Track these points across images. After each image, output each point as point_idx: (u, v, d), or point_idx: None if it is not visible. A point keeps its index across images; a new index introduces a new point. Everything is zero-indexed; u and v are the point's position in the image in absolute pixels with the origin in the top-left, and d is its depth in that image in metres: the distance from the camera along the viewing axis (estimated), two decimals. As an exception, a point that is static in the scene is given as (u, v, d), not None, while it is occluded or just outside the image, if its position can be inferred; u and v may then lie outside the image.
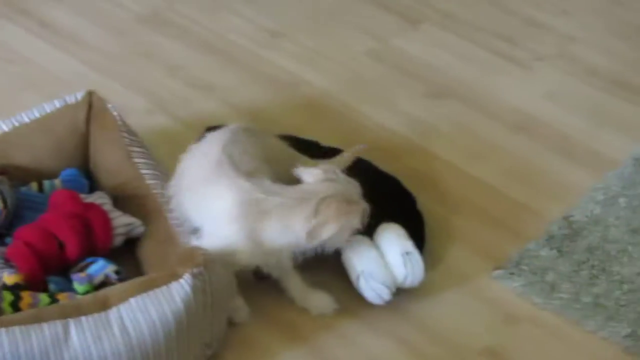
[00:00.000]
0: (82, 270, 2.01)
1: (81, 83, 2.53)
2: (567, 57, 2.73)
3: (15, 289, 1.94)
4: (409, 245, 2.04)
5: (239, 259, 1.97)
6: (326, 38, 2.80)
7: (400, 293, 2.05)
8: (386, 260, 2.03)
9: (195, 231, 2.03)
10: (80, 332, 1.77)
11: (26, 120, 2.23)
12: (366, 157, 2.29)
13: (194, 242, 1.99)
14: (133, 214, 2.12)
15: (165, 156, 2.24)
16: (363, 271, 2.01)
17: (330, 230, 1.93)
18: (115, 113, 2.25)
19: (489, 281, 2.12)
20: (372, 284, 2.00)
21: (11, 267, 1.99)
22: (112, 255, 2.07)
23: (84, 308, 1.80)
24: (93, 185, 2.24)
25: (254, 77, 2.68)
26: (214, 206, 1.99)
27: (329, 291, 2.05)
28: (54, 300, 1.93)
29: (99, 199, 2.15)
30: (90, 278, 1.99)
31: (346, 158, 2.18)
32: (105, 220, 2.06)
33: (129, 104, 2.42)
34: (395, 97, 2.60)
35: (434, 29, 2.85)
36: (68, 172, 2.22)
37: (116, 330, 1.78)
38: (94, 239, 2.05)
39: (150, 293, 1.82)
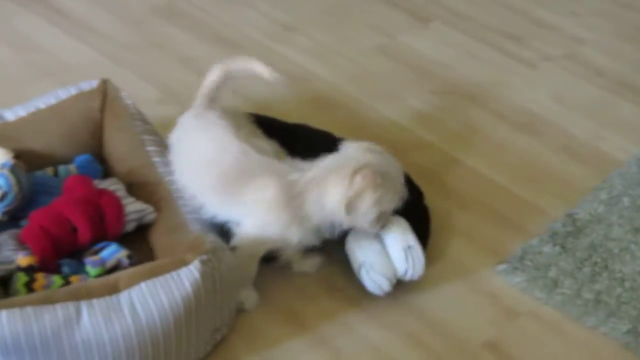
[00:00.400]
0: (95, 254, 2.03)
1: (95, 71, 2.54)
2: (574, 58, 2.73)
3: (29, 270, 1.96)
4: (411, 239, 2.04)
5: (289, 242, 1.99)
6: (337, 33, 2.81)
7: (404, 285, 2.06)
8: (388, 253, 2.04)
9: (229, 224, 2.03)
10: (91, 314, 1.78)
11: (42, 106, 2.24)
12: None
13: (236, 235, 2.00)
14: (145, 200, 2.13)
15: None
16: (365, 262, 2.02)
17: (367, 202, 1.92)
18: (128, 101, 2.26)
19: (492, 276, 2.14)
20: (373, 275, 2.02)
21: (25, 249, 2.00)
22: (124, 240, 2.09)
23: (95, 291, 1.81)
24: (106, 171, 2.25)
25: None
26: (256, 198, 1.99)
27: (334, 282, 2.06)
28: (66, 282, 1.95)
29: (113, 185, 2.16)
30: (102, 262, 2.00)
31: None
32: (118, 206, 2.07)
33: (142, 93, 2.43)
34: (403, 93, 2.61)
35: (443, 27, 2.85)
36: (82, 158, 2.24)
37: (127, 313, 1.80)
38: (106, 224, 2.06)
39: (161, 278, 1.83)
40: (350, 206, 1.93)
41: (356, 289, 2.06)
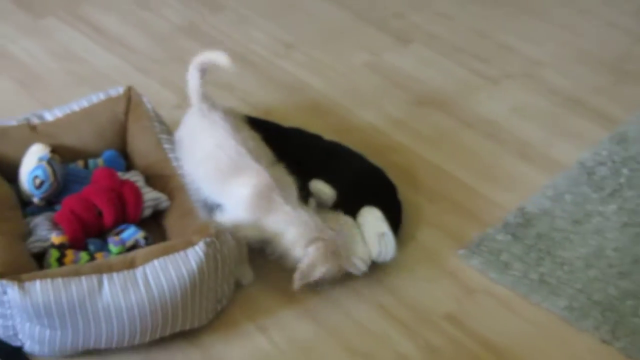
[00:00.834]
0: (116, 234, 2.03)
1: (124, 79, 2.54)
2: (531, 77, 2.72)
3: (60, 247, 1.97)
4: (384, 227, 2.04)
5: (247, 236, 1.99)
6: (330, 51, 2.80)
7: (379, 266, 2.06)
8: (364, 238, 2.03)
9: (216, 207, 2.03)
10: (112, 285, 1.79)
11: (76, 108, 2.24)
12: (358, 151, 2.29)
13: (217, 216, 2.00)
14: (160, 190, 2.13)
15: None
16: (345, 246, 2.02)
17: (319, 273, 1.93)
18: (149, 106, 2.26)
19: (454, 259, 2.13)
20: (352, 258, 2.01)
21: (58, 229, 2.01)
22: (142, 223, 2.09)
23: (115, 266, 1.82)
24: (129, 165, 2.25)
25: (268, 81, 2.68)
26: (236, 192, 1.99)
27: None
28: (92, 258, 1.96)
29: (134, 176, 2.16)
30: (123, 241, 2.01)
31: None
32: (137, 194, 2.07)
33: (162, 99, 2.42)
34: (384, 103, 2.60)
35: (421, 48, 2.84)
36: (109, 153, 2.23)
37: (141, 285, 1.80)
38: (127, 210, 2.06)
39: (171, 256, 1.84)
40: (303, 275, 1.93)
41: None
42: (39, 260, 1.96)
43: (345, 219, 2.05)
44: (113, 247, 1.99)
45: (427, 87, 2.67)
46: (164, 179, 2.13)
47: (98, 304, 1.78)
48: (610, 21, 2.97)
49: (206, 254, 1.84)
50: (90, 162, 2.21)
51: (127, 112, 2.26)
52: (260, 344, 1.93)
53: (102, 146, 2.24)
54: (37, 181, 2.06)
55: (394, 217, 2.12)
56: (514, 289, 2.06)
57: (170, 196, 2.11)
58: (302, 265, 1.93)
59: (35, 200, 2.10)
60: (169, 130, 2.24)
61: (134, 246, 2.01)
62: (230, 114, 2.12)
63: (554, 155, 2.43)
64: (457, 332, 1.96)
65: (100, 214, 2.03)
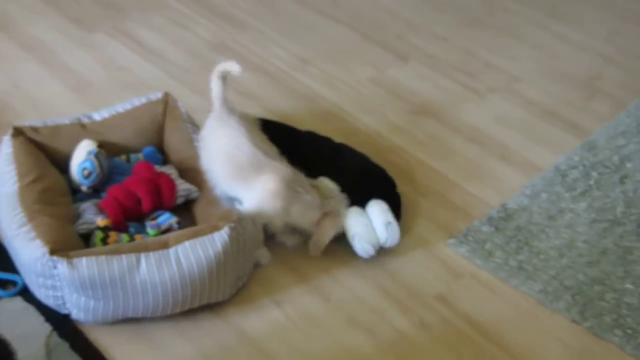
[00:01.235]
0: (153, 219, 2.02)
1: (162, 86, 2.52)
2: (512, 91, 2.70)
3: (105, 229, 1.95)
4: (390, 217, 2.02)
5: (273, 223, 1.98)
6: (340, 66, 2.78)
7: (381, 252, 2.04)
8: (373, 226, 2.01)
9: (234, 200, 2.01)
10: (148, 263, 1.77)
11: (120, 110, 2.22)
12: (362, 151, 2.27)
13: (237, 206, 1.97)
14: (191, 182, 2.12)
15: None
16: (356, 233, 1.99)
17: (328, 239, 1.97)
18: (183, 109, 2.24)
19: (444, 247, 2.11)
20: (362, 243, 1.99)
21: (103, 214, 1.99)
22: (175, 210, 2.07)
23: (151, 246, 1.80)
24: (165, 160, 2.23)
25: (286, 91, 2.66)
26: (263, 186, 1.96)
27: (329, 246, 2.02)
28: (131, 239, 1.94)
29: (169, 169, 2.14)
30: (158, 225, 1.99)
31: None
32: (172, 185, 2.06)
33: (194, 104, 2.40)
34: (386, 111, 2.58)
35: (418, 64, 2.82)
36: (148, 149, 2.21)
37: (173, 263, 1.78)
38: (163, 198, 2.04)
39: (200, 239, 1.82)
40: (315, 242, 1.96)
41: (345, 252, 2.03)
42: (86, 240, 1.95)
43: (356, 210, 2.04)
44: (150, 230, 1.97)
45: (423, 99, 2.65)
46: (194, 172, 2.11)
47: (136, 278, 1.76)
48: (583, 44, 2.95)
49: (230, 237, 1.82)
50: (132, 156, 2.20)
51: (164, 114, 2.24)
52: (275, 316, 1.91)
53: (142, 143, 2.22)
54: (86, 172, 2.05)
55: (394, 209, 2.09)
56: (496, 274, 2.03)
57: (200, 187, 2.09)
58: (315, 237, 1.96)
59: (84, 188, 2.08)
60: (199, 131, 2.20)
61: (168, 229, 1.99)
62: (244, 118, 2.09)
63: (532, 159, 2.40)
64: (446, 310, 1.94)
65: (139, 201, 2.02)
